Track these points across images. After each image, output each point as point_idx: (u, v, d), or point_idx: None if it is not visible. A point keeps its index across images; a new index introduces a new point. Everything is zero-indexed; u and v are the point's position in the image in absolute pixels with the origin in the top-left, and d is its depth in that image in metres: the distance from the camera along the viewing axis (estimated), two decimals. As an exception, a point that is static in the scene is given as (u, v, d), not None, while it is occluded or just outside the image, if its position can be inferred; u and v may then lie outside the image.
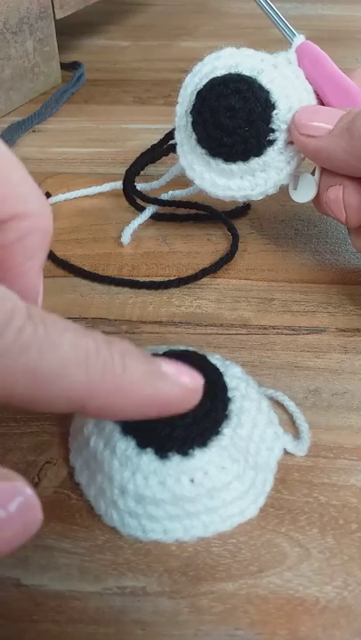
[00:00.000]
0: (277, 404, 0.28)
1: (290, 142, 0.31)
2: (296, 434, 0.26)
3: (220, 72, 0.31)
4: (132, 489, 0.23)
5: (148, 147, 0.39)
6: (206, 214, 0.38)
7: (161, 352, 0.26)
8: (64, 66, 0.60)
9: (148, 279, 0.34)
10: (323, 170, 0.31)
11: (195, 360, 0.25)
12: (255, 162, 0.31)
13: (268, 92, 0.30)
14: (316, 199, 0.32)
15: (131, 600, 0.22)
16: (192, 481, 0.23)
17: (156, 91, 0.55)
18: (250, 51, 0.32)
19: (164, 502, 0.23)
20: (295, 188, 0.32)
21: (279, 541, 0.23)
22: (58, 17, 0.57)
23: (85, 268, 0.35)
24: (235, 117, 0.30)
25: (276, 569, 0.22)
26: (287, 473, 0.25)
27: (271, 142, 0.31)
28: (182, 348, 0.27)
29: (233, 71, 0.31)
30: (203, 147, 0.32)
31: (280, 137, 0.31)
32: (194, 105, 0.31)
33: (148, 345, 0.28)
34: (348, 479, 0.25)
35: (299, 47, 0.31)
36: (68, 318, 0.32)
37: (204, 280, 0.34)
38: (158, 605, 0.22)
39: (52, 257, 0.36)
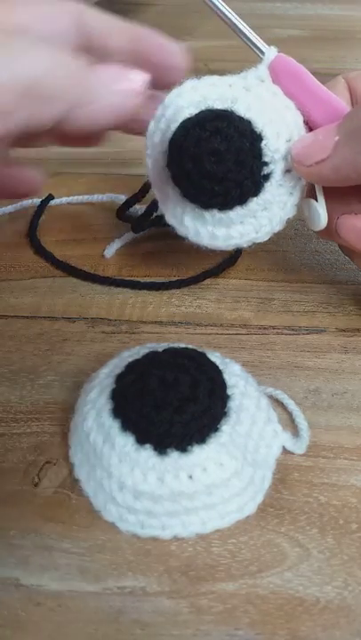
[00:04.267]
0: (277, 402, 0.28)
1: (287, 171, 0.28)
2: (295, 432, 0.26)
3: (188, 112, 0.27)
4: (131, 484, 0.23)
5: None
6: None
7: (160, 350, 0.26)
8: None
9: (148, 279, 0.34)
10: (328, 195, 0.28)
11: (194, 357, 0.25)
12: (255, 202, 0.27)
13: (249, 123, 0.26)
14: (326, 231, 0.29)
15: (130, 600, 0.22)
16: (190, 477, 0.23)
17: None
18: (213, 78, 0.28)
19: (163, 498, 0.23)
20: (306, 216, 0.29)
21: (279, 541, 0.23)
22: (58, 17, 0.57)
23: (85, 269, 0.35)
24: (222, 161, 0.26)
25: (276, 569, 0.22)
26: (287, 473, 0.25)
27: (267, 177, 0.27)
28: (182, 345, 0.27)
29: (203, 107, 0.27)
30: (191, 201, 0.28)
31: (275, 168, 0.27)
32: (170, 156, 0.27)
33: (148, 344, 0.28)
34: (348, 479, 0.25)
35: (273, 62, 0.28)
36: (68, 318, 0.32)
37: (205, 280, 0.34)
38: (158, 605, 0.22)
39: (51, 258, 0.36)
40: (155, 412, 0.23)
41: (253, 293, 0.34)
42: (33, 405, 0.28)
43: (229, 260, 0.35)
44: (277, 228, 0.29)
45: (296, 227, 0.38)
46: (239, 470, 0.23)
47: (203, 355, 0.25)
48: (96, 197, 0.40)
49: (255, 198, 0.27)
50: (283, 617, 0.21)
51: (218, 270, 0.35)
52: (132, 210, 0.37)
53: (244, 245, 0.29)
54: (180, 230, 0.29)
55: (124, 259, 0.36)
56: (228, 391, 0.25)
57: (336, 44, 0.60)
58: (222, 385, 0.24)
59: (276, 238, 0.37)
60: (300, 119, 0.28)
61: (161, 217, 0.32)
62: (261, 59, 0.28)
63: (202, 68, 0.48)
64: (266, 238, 0.29)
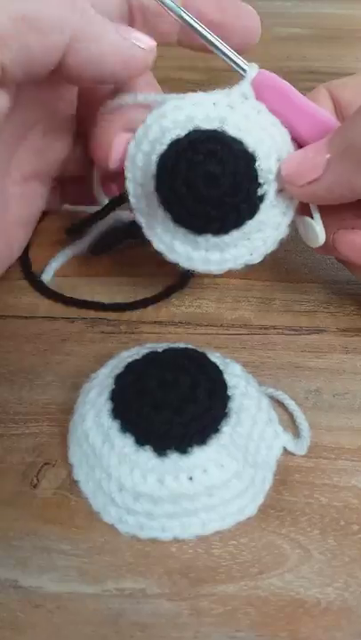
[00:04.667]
0: (278, 402, 0.27)
1: (279, 191, 0.27)
2: (296, 433, 0.26)
3: (175, 133, 0.26)
4: (130, 486, 0.23)
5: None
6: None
7: (160, 350, 0.26)
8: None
9: (148, 278, 0.34)
10: (322, 211, 0.27)
11: (194, 357, 0.25)
12: (249, 225, 0.27)
13: (241, 143, 0.25)
14: (324, 247, 0.28)
15: (130, 602, 0.22)
16: (191, 479, 0.22)
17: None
18: (195, 96, 0.27)
19: (163, 500, 0.22)
20: (303, 234, 0.29)
21: (280, 543, 0.23)
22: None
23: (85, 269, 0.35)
24: (218, 185, 0.25)
25: (276, 570, 0.22)
26: (288, 474, 0.25)
27: (262, 198, 0.26)
28: (182, 345, 0.26)
29: (191, 128, 0.26)
30: (185, 227, 0.27)
31: (269, 189, 0.26)
32: (160, 180, 0.26)
33: (147, 344, 0.28)
34: (349, 480, 0.25)
35: (256, 78, 0.27)
36: (67, 318, 0.32)
37: (205, 280, 0.34)
38: (158, 607, 0.21)
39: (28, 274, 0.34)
40: (154, 412, 0.23)
41: (254, 293, 0.33)
42: (31, 406, 0.28)
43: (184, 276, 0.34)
44: (271, 248, 0.28)
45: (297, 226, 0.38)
46: (240, 471, 0.23)
47: (203, 355, 0.25)
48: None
49: (250, 221, 0.26)
50: (284, 619, 0.21)
51: (182, 284, 0.33)
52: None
53: (238, 268, 0.28)
54: (171, 257, 0.28)
55: (124, 257, 0.36)
56: (229, 392, 0.24)
57: (336, 43, 0.60)
58: (223, 385, 0.24)
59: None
60: (288, 136, 0.27)
61: (119, 234, 0.31)
62: (243, 76, 0.27)
63: (200, 66, 0.48)
64: (260, 260, 0.28)
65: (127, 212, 0.32)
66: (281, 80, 0.27)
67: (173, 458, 0.23)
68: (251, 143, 0.26)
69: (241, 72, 0.27)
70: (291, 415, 0.27)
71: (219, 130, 0.25)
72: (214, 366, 0.25)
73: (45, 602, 0.22)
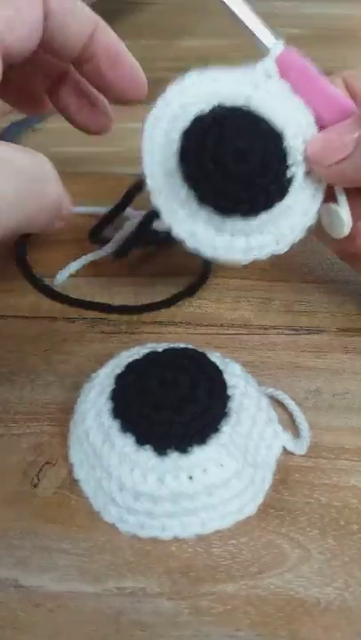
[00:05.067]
0: (277, 402, 0.27)
1: (307, 174, 0.26)
2: (296, 432, 0.26)
3: (197, 108, 0.25)
4: (131, 485, 0.23)
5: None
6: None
7: (160, 350, 0.26)
8: (64, 65, 0.59)
9: (148, 279, 0.34)
10: (350, 199, 0.27)
11: (194, 357, 0.25)
12: (277, 209, 0.25)
13: (268, 122, 0.25)
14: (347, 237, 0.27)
15: (130, 601, 0.22)
16: (190, 478, 0.23)
17: (156, 90, 0.54)
18: (217, 72, 0.26)
19: (162, 499, 0.23)
20: (326, 223, 0.28)
21: (280, 542, 0.23)
22: (58, 16, 0.57)
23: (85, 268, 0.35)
24: (246, 162, 0.24)
25: (276, 570, 0.22)
26: (288, 474, 0.25)
27: (290, 180, 0.25)
28: (182, 345, 0.27)
29: (215, 103, 0.25)
30: (212, 207, 0.25)
31: (297, 171, 0.25)
32: (185, 156, 0.24)
33: (148, 344, 0.28)
34: (348, 480, 0.25)
35: (280, 57, 0.26)
36: (68, 318, 0.32)
37: (204, 280, 0.34)
38: (158, 606, 0.22)
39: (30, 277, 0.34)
40: (154, 412, 0.23)
41: (254, 293, 0.34)
42: (32, 406, 0.28)
43: (200, 279, 0.34)
44: (299, 237, 0.27)
45: (296, 226, 0.38)
46: (239, 471, 0.23)
47: (203, 355, 0.25)
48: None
49: (279, 204, 0.25)
50: (283, 618, 0.21)
51: (190, 292, 0.33)
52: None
53: (263, 258, 0.27)
54: (191, 243, 0.26)
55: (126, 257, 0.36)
56: (229, 391, 0.24)
57: (337, 43, 0.60)
58: (222, 385, 0.24)
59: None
60: (311, 117, 0.26)
61: (139, 236, 0.30)
62: (267, 53, 0.26)
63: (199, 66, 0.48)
64: (286, 249, 0.27)
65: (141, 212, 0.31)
66: (305, 61, 0.26)
67: (173, 457, 0.23)
68: (278, 122, 0.25)
69: (265, 47, 0.26)
70: (290, 415, 0.27)
71: (244, 107, 0.25)
72: (214, 366, 0.25)
73: (46, 601, 0.22)
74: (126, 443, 0.23)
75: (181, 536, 0.23)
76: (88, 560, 0.23)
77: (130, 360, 0.25)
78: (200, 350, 0.26)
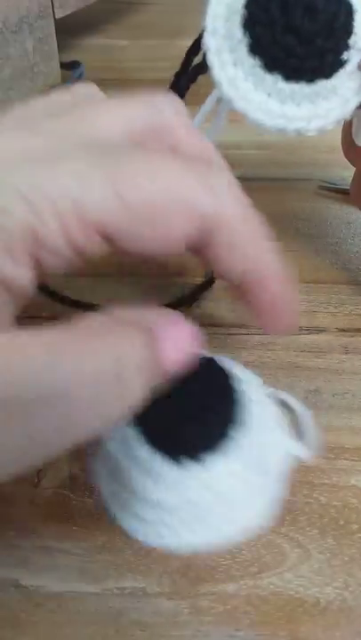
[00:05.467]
0: (287, 407, 0.27)
1: (359, 67, 0.25)
2: (304, 437, 0.26)
3: None
4: (144, 493, 0.23)
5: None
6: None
7: None
8: (64, 65, 0.60)
9: (147, 279, 0.34)
10: None
11: (202, 363, 0.25)
12: (321, 85, 0.25)
13: None
14: None
15: (130, 601, 0.22)
16: (203, 487, 0.22)
17: (156, 90, 0.55)
18: None
19: (176, 507, 0.22)
20: (356, 128, 0.27)
21: (279, 542, 0.23)
22: (57, 16, 0.57)
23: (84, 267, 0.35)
24: (314, 21, 0.24)
25: (276, 570, 0.22)
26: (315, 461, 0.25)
27: (344, 63, 0.25)
28: None
29: None
30: (260, 55, 0.25)
31: (353, 58, 0.25)
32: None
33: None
34: (348, 480, 0.25)
35: None
36: (68, 318, 0.32)
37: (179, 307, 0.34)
38: (158, 606, 0.22)
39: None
40: (166, 421, 0.23)
41: (254, 293, 0.34)
42: (32, 405, 0.28)
43: (204, 284, 0.34)
44: (330, 126, 0.26)
45: (296, 226, 0.38)
46: (250, 479, 0.23)
47: (211, 360, 0.25)
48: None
49: (325, 80, 0.25)
50: (283, 618, 0.21)
51: (191, 299, 0.33)
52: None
53: (289, 132, 0.26)
54: (229, 90, 0.26)
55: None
56: (238, 398, 0.24)
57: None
58: (232, 392, 0.24)
59: (277, 238, 0.37)
60: None
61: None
62: None
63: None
64: (315, 133, 0.26)
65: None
66: None
67: (186, 465, 0.22)
68: (356, 2, 0.24)
69: None
70: (297, 419, 0.27)
71: None
72: (223, 372, 0.25)
73: (46, 601, 0.22)
74: (141, 450, 0.23)
75: (193, 544, 0.23)
76: (88, 560, 0.23)
77: None
78: (208, 356, 0.25)
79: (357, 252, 0.36)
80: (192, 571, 0.22)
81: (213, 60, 0.26)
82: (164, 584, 0.22)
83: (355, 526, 0.23)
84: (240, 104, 0.26)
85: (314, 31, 0.24)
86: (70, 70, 0.59)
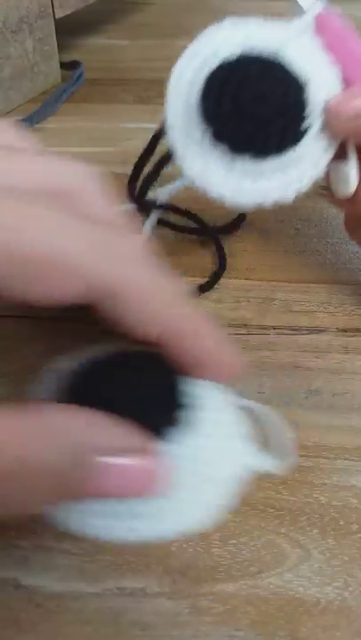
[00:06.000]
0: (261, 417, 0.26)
1: (323, 128, 0.27)
2: (276, 449, 0.23)
3: (227, 51, 0.26)
4: None
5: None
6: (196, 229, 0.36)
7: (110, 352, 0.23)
8: (63, 65, 0.60)
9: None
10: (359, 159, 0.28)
11: (154, 357, 0.22)
12: (289, 155, 0.26)
13: (294, 71, 0.26)
14: (352, 197, 0.28)
15: (130, 601, 0.22)
16: None
17: (155, 90, 0.55)
18: (254, 20, 0.27)
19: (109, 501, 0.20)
20: (333, 181, 0.29)
21: (279, 542, 0.23)
22: (57, 16, 0.57)
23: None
24: (266, 105, 0.25)
25: (276, 570, 0.22)
26: (287, 473, 0.25)
27: (306, 130, 0.26)
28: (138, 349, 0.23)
29: (246, 47, 0.26)
30: (225, 144, 0.26)
31: (314, 123, 0.26)
32: (207, 93, 0.26)
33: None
34: (348, 480, 0.25)
35: (317, 17, 0.27)
36: (68, 318, 0.32)
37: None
38: (158, 606, 0.22)
39: None
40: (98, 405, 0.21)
41: (253, 293, 0.34)
42: (32, 405, 0.28)
43: (205, 285, 0.34)
44: (305, 188, 0.28)
45: (297, 226, 0.38)
46: (190, 482, 0.21)
47: (157, 356, 0.22)
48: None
49: (291, 150, 0.26)
50: (283, 618, 0.21)
51: (207, 287, 0.34)
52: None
53: (268, 204, 0.28)
54: (200, 182, 0.27)
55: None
56: (184, 398, 0.22)
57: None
58: (178, 391, 0.22)
59: (277, 238, 0.37)
60: (338, 76, 0.27)
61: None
62: (304, 11, 0.27)
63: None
64: (292, 198, 0.28)
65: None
66: (341, 22, 0.27)
67: None
68: (304, 73, 0.26)
69: (303, 8, 0.28)
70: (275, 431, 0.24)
71: (273, 55, 0.26)
72: (170, 372, 0.22)
73: (46, 601, 0.22)
74: None
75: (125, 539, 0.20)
76: (88, 560, 0.23)
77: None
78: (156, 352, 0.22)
79: (357, 252, 0.36)
80: (192, 571, 0.22)
81: (182, 156, 0.27)
82: (164, 584, 0.22)
83: (355, 526, 0.23)
84: (214, 192, 0.27)
85: (268, 114, 0.25)
86: (70, 70, 0.59)
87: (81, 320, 0.32)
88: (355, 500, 0.24)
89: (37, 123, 0.52)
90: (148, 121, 0.49)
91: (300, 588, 0.22)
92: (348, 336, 0.31)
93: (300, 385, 0.29)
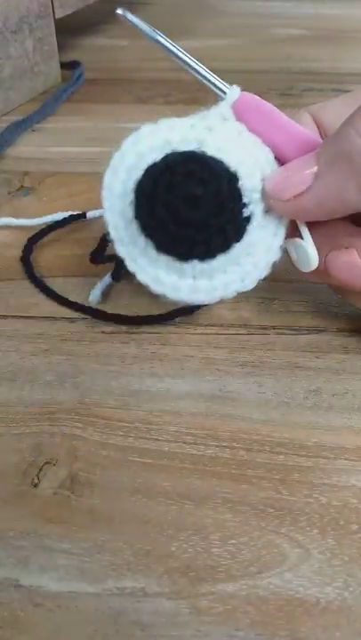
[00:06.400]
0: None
1: (267, 211, 0.26)
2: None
3: (151, 157, 0.25)
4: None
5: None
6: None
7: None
8: (64, 65, 0.60)
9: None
10: (313, 232, 0.26)
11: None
12: (238, 248, 0.25)
13: (222, 163, 0.25)
14: (319, 271, 0.27)
15: (130, 601, 0.22)
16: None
17: (155, 90, 0.55)
18: (171, 120, 0.26)
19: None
20: (294, 259, 0.28)
21: (279, 542, 0.23)
22: (57, 16, 0.57)
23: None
24: (200, 206, 0.24)
25: (276, 570, 0.22)
26: (287, 474, 0.25)
27: (248, 219, 0.25)
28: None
29: (168, 151, 0.25)
30: (169, 254, 0.25)
31: (255, 209, 0.26)
32: (139, 207, 0.25)
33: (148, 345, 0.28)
34: (348, 479, 0.25)
35: (237, 101, 0.26)
36: (68, 318, 0.32)
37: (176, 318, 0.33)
38: (158, 606, 0.22)
39: (41, 286, 0.35)
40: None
41: (253, 293, 0.33)
42: (32, 406, 0.28)
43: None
44: (264, 273, 0.27)
45: (296, 226, 0.38)
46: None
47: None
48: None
49: (238, 244, 0.25)
50: (283, 618, 0.21)
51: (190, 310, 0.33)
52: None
53: (230, 296, 0.27)
54: (156, 288, 0.26)
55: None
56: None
57: (336, 43, 0.60)
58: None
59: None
60: (271, 155, 0.26)
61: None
62: (223, 98, 0.26)
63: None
64: (252, 286, 0.27)
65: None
66: (263, 102, 0.26)
67: None
68: (232, 162, 0.25)
69: (220, 94, 0.26)
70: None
71: (197, 150, 0.25)
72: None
73: (46, 601, 0.22)
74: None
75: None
76: (88, 560, 0.23)
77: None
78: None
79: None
80: (192, 570, 0.22)
81: (132, 267, 0.27)
82: (163, 584, 0.22)
83: (355, 526, 0.23)
84: (172, 294, 0.26)
85: (204, 216, 0.24)
86: (70, 70, 0.59)
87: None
88: (355, 500, 0.24)
89: (37, 123, 0.52)
90: (147, 121, 0.49)
91: (300, 588, 0.22)
92: (347, 336, 0.31)
93: (301, 385, 0.29)
